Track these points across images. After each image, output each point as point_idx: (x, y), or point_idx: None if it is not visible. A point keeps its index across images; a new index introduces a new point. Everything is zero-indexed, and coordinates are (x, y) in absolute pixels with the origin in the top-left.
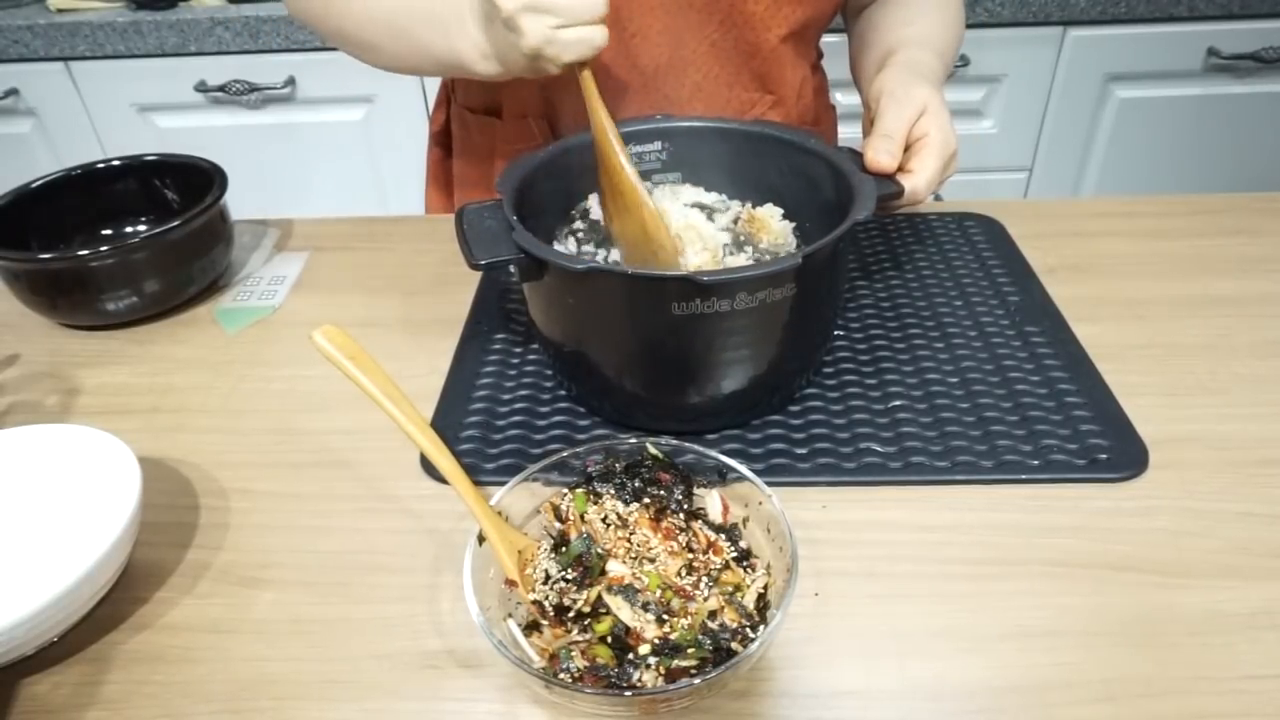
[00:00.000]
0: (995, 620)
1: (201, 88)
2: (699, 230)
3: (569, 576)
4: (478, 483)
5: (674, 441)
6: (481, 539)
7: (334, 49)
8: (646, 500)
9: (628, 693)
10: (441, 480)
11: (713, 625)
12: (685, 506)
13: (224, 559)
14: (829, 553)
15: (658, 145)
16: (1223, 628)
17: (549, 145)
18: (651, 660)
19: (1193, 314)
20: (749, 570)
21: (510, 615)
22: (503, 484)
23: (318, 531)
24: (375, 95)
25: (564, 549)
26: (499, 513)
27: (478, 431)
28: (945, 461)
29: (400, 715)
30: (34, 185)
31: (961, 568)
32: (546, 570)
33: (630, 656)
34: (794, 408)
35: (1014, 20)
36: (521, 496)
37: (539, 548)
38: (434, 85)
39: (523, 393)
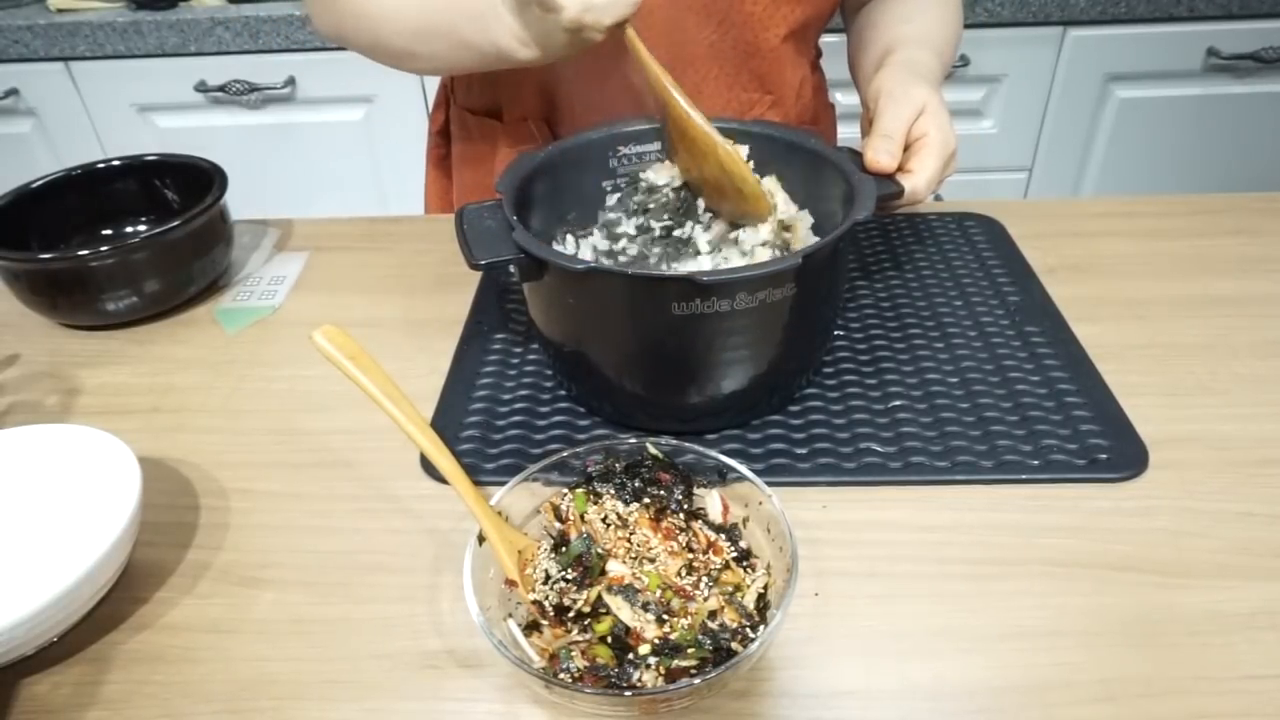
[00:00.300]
0: (995, 620)
1: (201, 88)
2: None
3: (569, 576)
4: (478, 483)
5: (674, 441)
6: (481, 539)
7: (334, 49)
8: (646, 500)
9: (628, 693)
10: (441, 480)
11: (713, 625)
12: (685, 506)
13: (224, 559)
14: (829, 553)
15: (658, 145)
16: (1223, 628)
17: (549, 146)
18: (651, 660)
19: (1193, 314)
20: (749, 570)
21: (510, 615)
22: (503, 484)
23: (318, 531)
24: (375, 95)
25: (564, 549)
26: (499, 513)
27: (478, 431)
28: (945, 461)
29: (400, 715)
30: (34, 185)
31: (961, 568)
32: (546, 570)
33: (630, 656)
34: (794, 408)
35: (1014, 20)
36: (521, 496)
37: (539, 548)
38: (434, 85)
39: (523, 393)
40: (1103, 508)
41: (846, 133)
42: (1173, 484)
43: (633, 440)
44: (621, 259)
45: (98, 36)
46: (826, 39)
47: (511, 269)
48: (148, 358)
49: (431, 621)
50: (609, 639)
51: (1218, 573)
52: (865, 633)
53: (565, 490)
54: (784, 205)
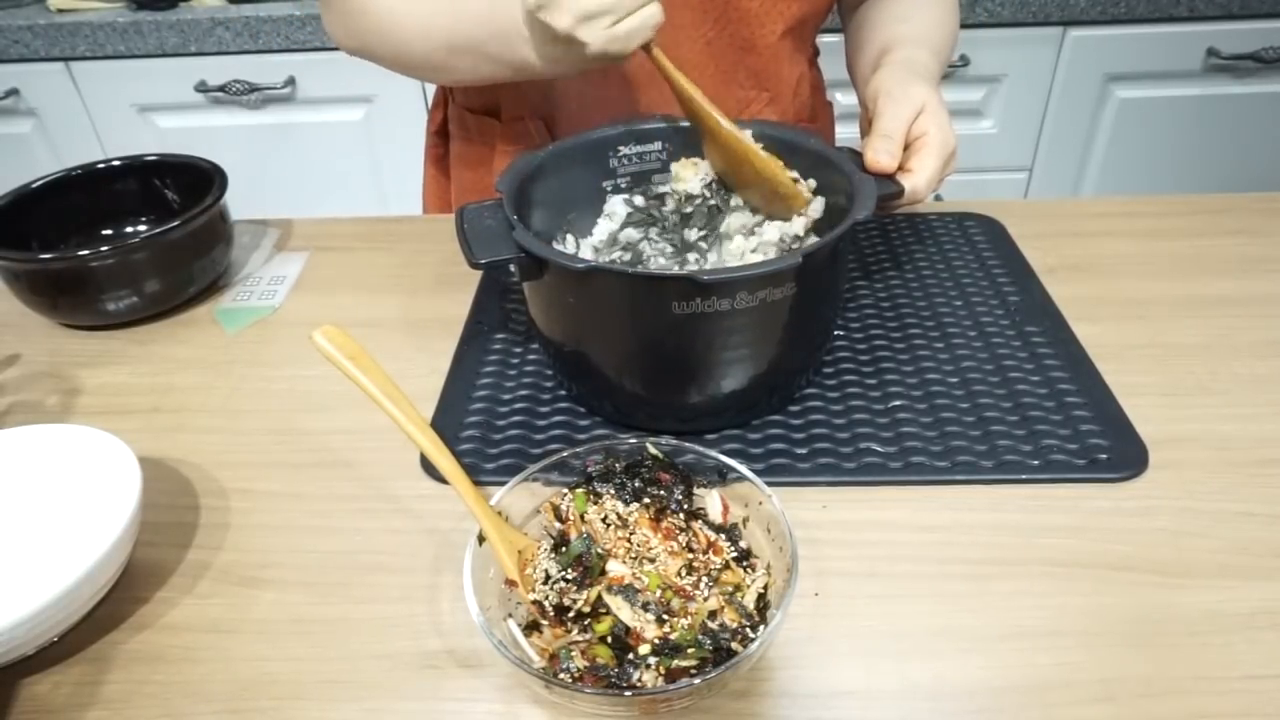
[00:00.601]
0: (995, 620)
1: (201, 88)
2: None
3: (569, 576)
4: (478, 483)
5: (674, 441)
6: (481, 539)
7: (334, 49)
8: (646, 500)
9: (628, 693)
10: (441, 480)
11: (713, 625)
12: (685, 506)
13: (224, 559)
14: (829, 553)
15: (658, 145)
16: (1222, 628)
17: (549, 145)
18: (651, 660)
19: (1193, 314)
20: (749, 570)
21: (510, 615)
22: (503, 484)
23: (318, 531)
24: (375, 95)
25: (564, 549)
26: (499, 513)
27: (478, 431)
28: (945, 461)
29: (400, 715)
30: (34, 185)
31: (961, 568)
32: (546, 570)
33: (630, 656)
34: (794, 408)
35: (1014, 20)
36: (521, 496)
37: (539, 548)
38: (432, 85)
39: (523, 393)
40: (1103, 508)
41: (845, 132)
42: (1173, 484)
43: (633, 440)
44: (628, 256)
45: (98, 36)
46: (825, 39)
47: (511, 268)
48: (148, 358)
49: (431, 621)
50: (609, 639)
51: (1218, 573)
52: (865, 633)
53: (565, 490)
54: (817, 205)
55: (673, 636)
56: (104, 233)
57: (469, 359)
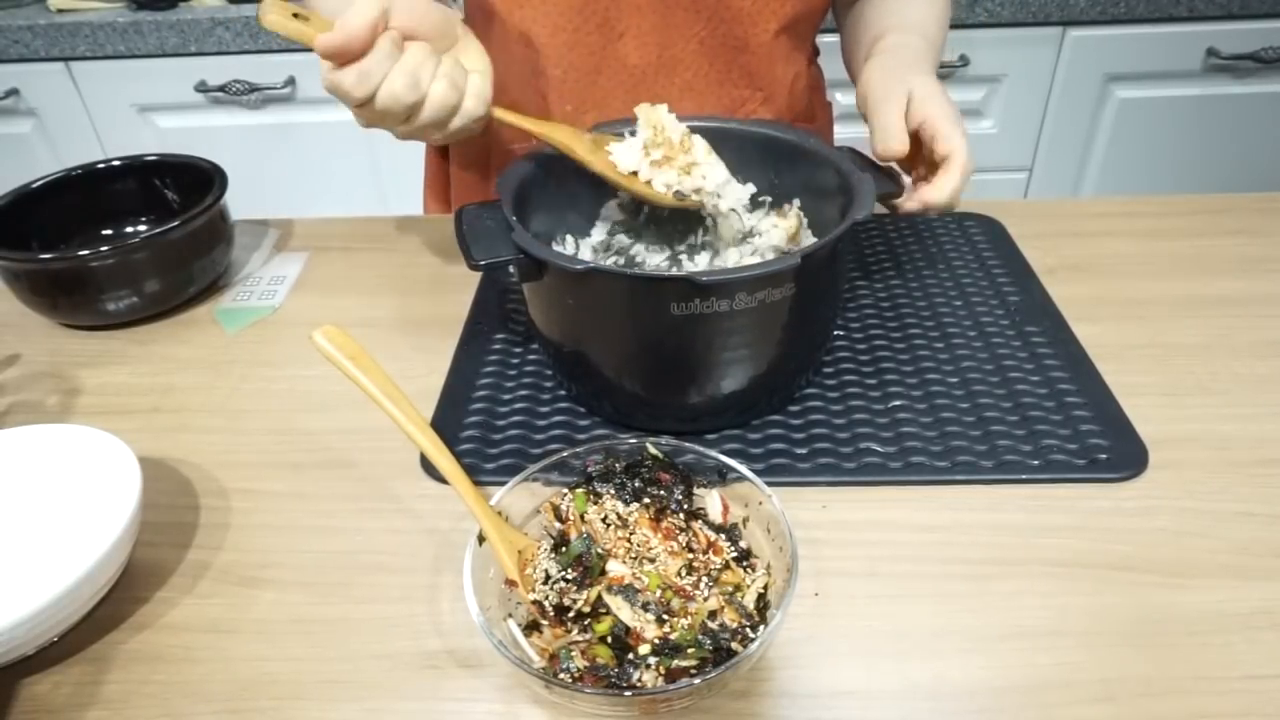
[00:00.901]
0: (995, 620)
1: (201, 88)
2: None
3: (569, 576)
4: (478, 483)
5: (674, 441)
6: (481, 539)
7: None
8: (646, 500)
9: (628, 693)
10: (441, 480)
11: (713, 625)
12: (685, 506)
13: (224, 559)
14: (829, 553)
15: None
16: (1223, 628)
17: (547, 146)
18: (651, 660)
19: (1193, 314)
20: (749, 570)
21: (510, 615)
22: (503, 484)
23: (318, 531)
24: None
25: (564, 549)
26: (499, 513)
27: (478, 431)
28: (945, 461)
29: (400, 715)
30: (34, 185)
31: (961, 568)
32: (546, 570)
33: (630, 656)
34: (794, 408)
35: (1014, 20)
36: (521, 496)
37: (539, 548)
38: None
39: (523, 393)
40: (1103, 508)
41: (845, 132)
42: (1173, 484)
43: (633, 440)
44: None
45: (98, 36)
46: (825, 39)
47: (511, 269)
48: (148, 358)
49: (431, 621)
50: (609, 639)
51: (1218, 573)
52: (865, 633)
53: (565, 490)
54: (714, 179)
55: (673, 636)
56: (104, 233)
57: (469, 359)
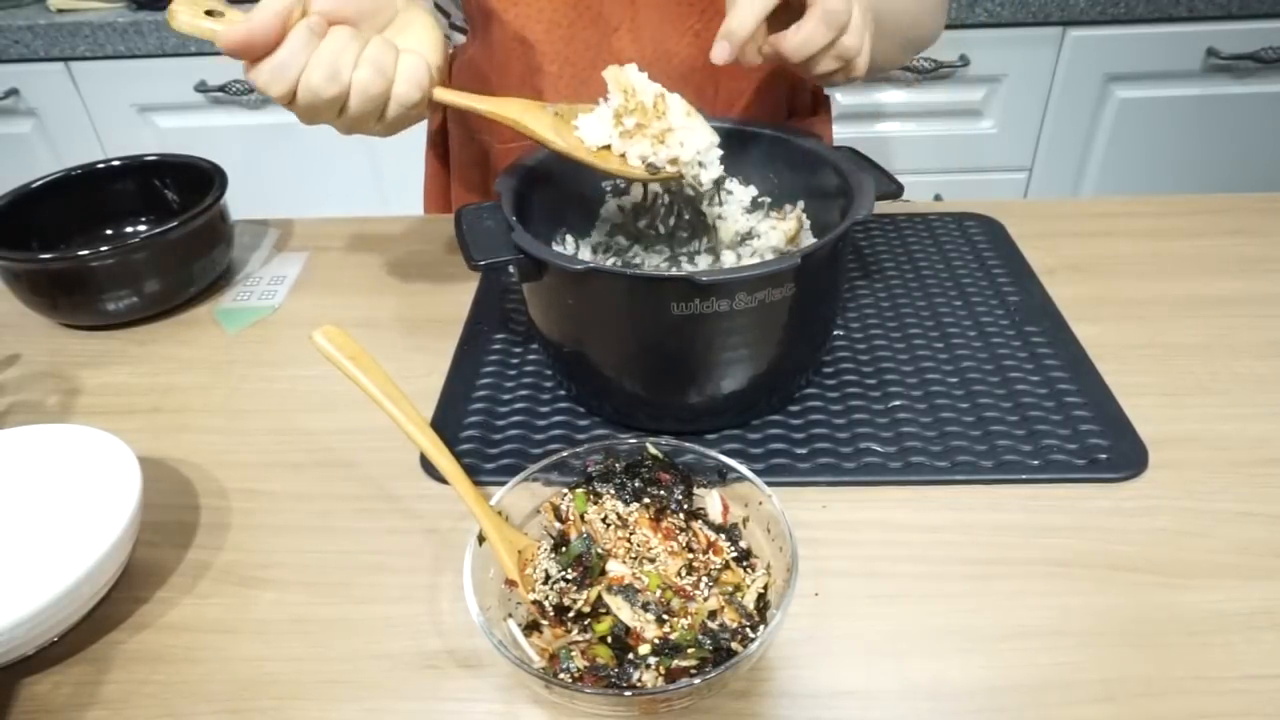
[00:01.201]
0: (995, 620)
1: (201, 88)
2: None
3: (569, 576)
4: (478, 483)
5: (674, 441)
6: (481, 539)
7: None
8: (646, 500)
9: (628, 693)
10: (441, 480)
11: (713, 625)
12: (685, 506)
13: (224, 559)
14: (829, 553)
15: None
16: (1223, 628)
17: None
18: (651, 660)
19: (1193, 314)
20: (749, 570)
21: (510, 615)
22: (503, 484)
23: (318, 531)
24: None
25: (564, 549)
26: (499, 513)
27: (478, 431)
28: (945, 461)
29: (400, 715)
30: (34, 185)
31: (961, 568)
32: (546, 570)
33: (630, 656)
34: (794, 408)
35: (1014, 20)
36: (521, 496)
37: (539, 548)
38: None
39: (523, 393)
40: (1103, 508)
41: (844, 131)
42: (1173, 484)
43: (633, 440)
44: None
45: (98, 36)
46: None
47: (511, 269)
48: (148, 358)
49: (431, 621)
50: (609, 639)
51: (1218, 573)
52: (865, 633)
53: (565, 490)
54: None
55: (673, 636)
56: (104, 233)
57: (469, 359)
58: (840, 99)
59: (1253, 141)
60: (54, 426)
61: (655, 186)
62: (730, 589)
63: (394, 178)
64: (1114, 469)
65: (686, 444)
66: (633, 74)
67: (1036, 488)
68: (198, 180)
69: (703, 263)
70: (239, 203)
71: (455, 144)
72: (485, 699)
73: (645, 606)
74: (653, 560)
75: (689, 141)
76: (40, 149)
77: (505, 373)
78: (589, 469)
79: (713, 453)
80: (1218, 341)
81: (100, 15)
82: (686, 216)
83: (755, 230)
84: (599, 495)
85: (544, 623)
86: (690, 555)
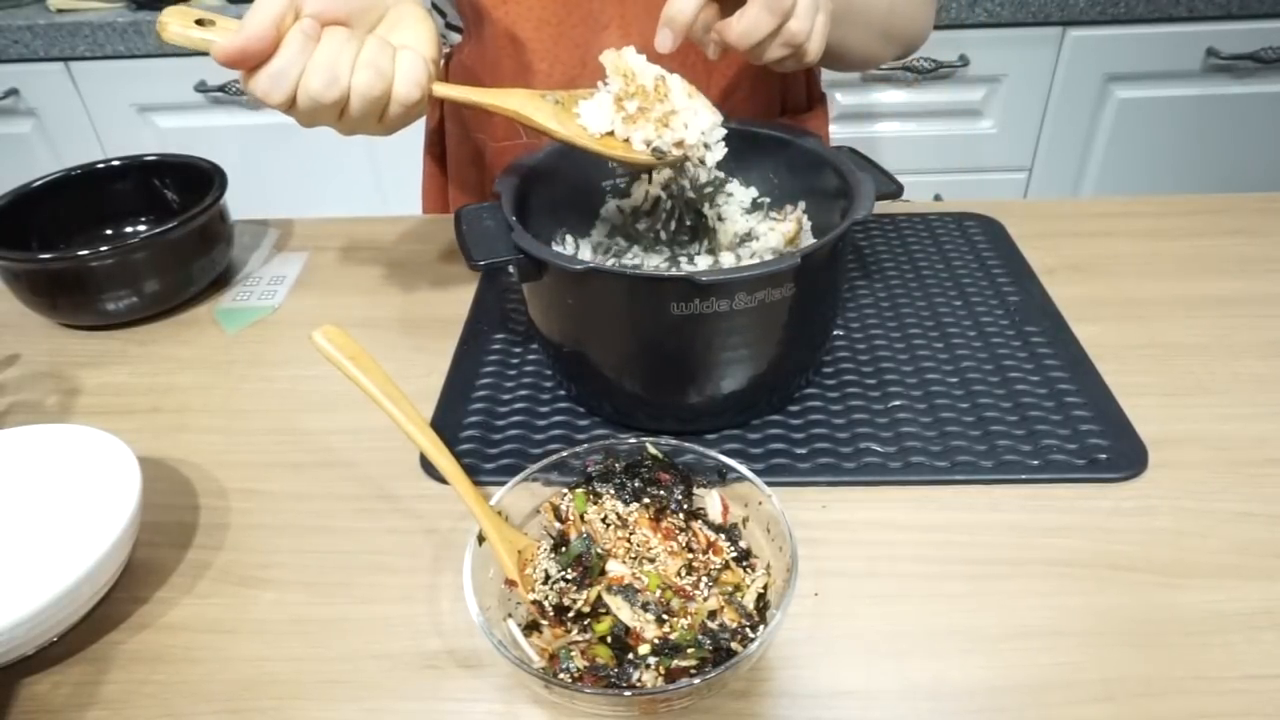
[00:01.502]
0: (995, 620)
1: (201, 88)
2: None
3: (569, 576)
4: (478, 483)
5: (674, 441)
6: (481, 539)
7: None
8: (646, 500)
9: (628, 693)
10: (441, 480)
11: (713, 625)
12: (685, 506)
13: (224, 559)
14: (829, 553)
15: None
16: (1223, 628)
17: (547, 145)
18: (651, 660)
19: (1193, 314)
20: (749, 570)
21: (510, 615)
22: (503, 484)
23: (318, 531)
24: None
25: (564, 549)
26: (499, 513)
27: (478, 431)
28: (945, 461)
29: (400, 715)
30: (34, 185)
31: (961, 568)
32: (546, 570)
33: (630, 656)
34: (794, 408)
35: (1014, 20)
36: (521, 496)
37: (539, 548)
38: None
39: (523, 393)
40: (1103, 507)
41: (843, 131)
42: (1173, 484)
43: (633, 440)
44: (623, 260)
45: (98, 36)
46: None
47: (511, 269)
48: (148, 358)
49: (431, 621)
50: (609, 639)
51: (1218, 573)
52: (865, 633)
53: (565, 490)
54: (695, 128)
55: (673, 636)
56: (104, 233)
57: (469, 359)
58: (840, 99)
59: (1253, 141)
60: (54, 426)
61: (656, 190)
62: (730, 589)
63: (393, 178)
64: (1114, 469)
65: (686, 444)
66: (631, 57)
67: (1036, 488)
68: (197, 180)
69: (702, 263)
70: (239, 203)
71: (452, 142)
72: (485, 699)
73: (645, 606)
74: (652, 560)
75: (693, 123)
76: (40, 149)
77: (505, 373)
78: (589, 469)
79: (712, 453)
80: (1218, 341)
81: (100, 15)
82: (688, 222)
83: (755, 231)
84: (599, 495)
85: (544, 623)
86: (690, 555)
